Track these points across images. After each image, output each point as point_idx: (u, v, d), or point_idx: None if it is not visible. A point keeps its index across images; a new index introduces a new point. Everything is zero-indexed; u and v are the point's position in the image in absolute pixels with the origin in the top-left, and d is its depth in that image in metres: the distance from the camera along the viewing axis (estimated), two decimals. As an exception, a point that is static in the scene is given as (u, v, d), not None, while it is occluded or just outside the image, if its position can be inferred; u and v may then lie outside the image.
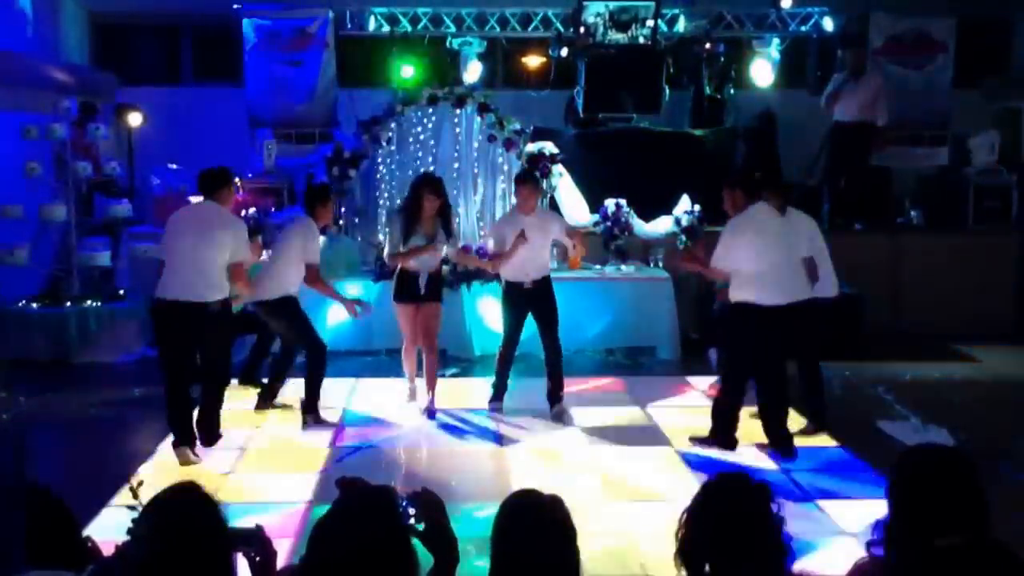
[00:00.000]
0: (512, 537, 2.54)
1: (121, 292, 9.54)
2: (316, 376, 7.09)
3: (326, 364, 7.15)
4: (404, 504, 2.49)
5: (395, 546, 2.29)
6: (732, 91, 11.68)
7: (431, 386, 7.33)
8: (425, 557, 2.50)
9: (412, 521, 2.49)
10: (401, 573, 2.27)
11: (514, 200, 7.65)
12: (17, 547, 2.44)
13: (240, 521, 2.81)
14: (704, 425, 7.12)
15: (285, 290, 7.00)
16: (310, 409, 7.08)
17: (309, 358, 7.14)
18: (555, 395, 7.28)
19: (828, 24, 11.85)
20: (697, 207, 9.82)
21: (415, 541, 2.46)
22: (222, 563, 2.48)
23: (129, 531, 2.55)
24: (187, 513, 2.48)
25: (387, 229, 8.77)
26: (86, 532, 3.19)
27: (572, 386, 7.87)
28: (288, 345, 7.45)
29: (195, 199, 10.03)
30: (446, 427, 7.03)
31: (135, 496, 3.04)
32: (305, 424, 7.01)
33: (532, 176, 7.89)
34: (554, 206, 10.11)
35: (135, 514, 2.53)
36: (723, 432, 6.40)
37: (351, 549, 2.25)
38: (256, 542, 2.78)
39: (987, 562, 2.57)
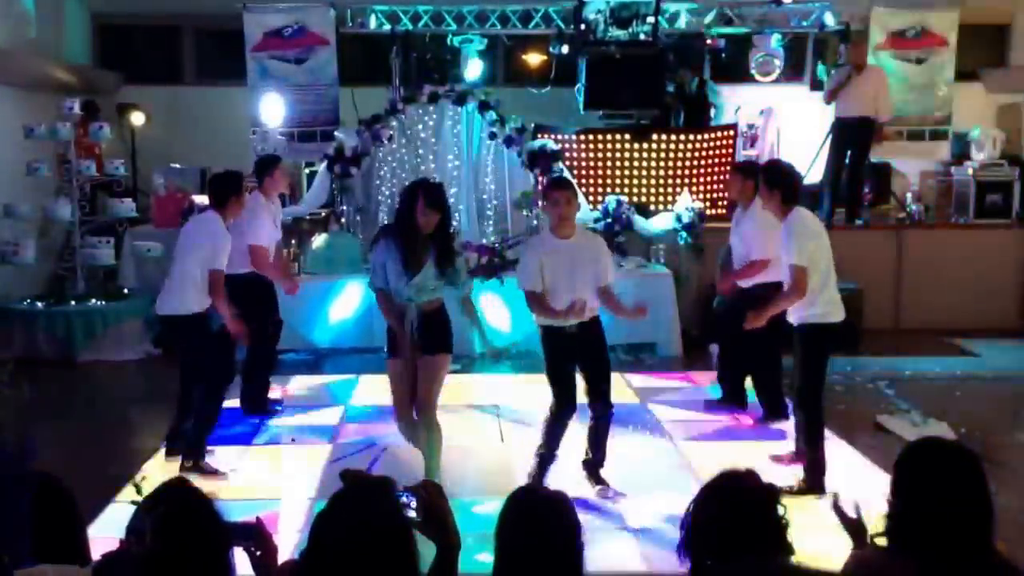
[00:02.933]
0: (517, 532, 2.56)
1: (125, 291, 9.57)
2: (210, 411, 6.07)
3: (222, 401, 6.19)
4: (405, 496, 2.51)
5: (394, 535, 2.31)
6: (716, 87, 11.68)
7: (429, 474, 5.44)
8: (427, 552, 2.53)
9: (413, 513, 2.51)
10: (401, 562, 2.29)
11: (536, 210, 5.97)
12: (23, 541, 2.47)
13: (242, 516, 2.83)
14: (704, 419, 7.18)
15: (188, 307, 6.01)
16: (194, 452, 5.97)
17: (207, 389, 6.05)
18: (595, 466, 5.75)
19: (829, 19, 11.85)
20: (697, 203, 9.85)
21: (417, 535, 2.48)
22: (218, 558, 2.51)
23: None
24: (179, 509, 2.50)
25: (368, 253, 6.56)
26: (89, 529, 3.21)
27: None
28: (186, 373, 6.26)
29: (200, 199, 10.11)
30: (448, 423, 7.02)
31: (139, 492, 3.07)
32: (184, 468, 5.84)
33: (568, 182, 5.89)
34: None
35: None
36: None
37: (350, 539, 2.27)
38: (255, 536, 2.80)
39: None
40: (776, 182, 5.83)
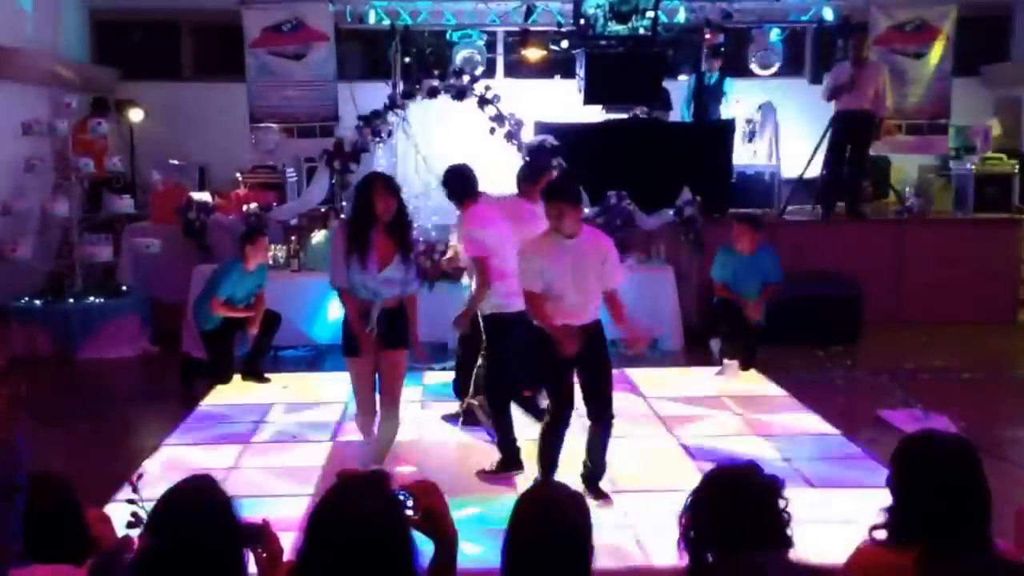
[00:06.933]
0: (530, 531, 2.51)
1: (124, 288, 9.55)
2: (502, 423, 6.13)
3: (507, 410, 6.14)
4: (401, 495, 2.49)
5: (390, 533, 2.28)
6: (729, 81, 11.65)
7: (379, 459, 5.51)
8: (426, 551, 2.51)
9: (410, 512, 2.49)
10: (397, 558, 2.27)
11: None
12: (16, 541, 2.45)
13: (246, 515, 2.82)
14: (706, 414, 7.16)
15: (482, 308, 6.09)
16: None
17: (491, 401, 6.18)
18: (594, 479, 5.44)
19: (828, 13, 11.84)
20: (698, 198, 9.82)
21: (415, 535, 2.45)
22: (233, 558, 2.49)
23: (128, 524, 2.56)
24: (200, 507, 2.48)
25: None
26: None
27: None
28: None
29: (198, 196, 10.01)
30: (447, 420, 7.03)
31: (135, 490, 3.06)
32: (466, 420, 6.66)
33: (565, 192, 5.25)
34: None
35: (134, 507, 2.54)
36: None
37: (346, 537, 2.24)
38: (263, 538, 2.79)
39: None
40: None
